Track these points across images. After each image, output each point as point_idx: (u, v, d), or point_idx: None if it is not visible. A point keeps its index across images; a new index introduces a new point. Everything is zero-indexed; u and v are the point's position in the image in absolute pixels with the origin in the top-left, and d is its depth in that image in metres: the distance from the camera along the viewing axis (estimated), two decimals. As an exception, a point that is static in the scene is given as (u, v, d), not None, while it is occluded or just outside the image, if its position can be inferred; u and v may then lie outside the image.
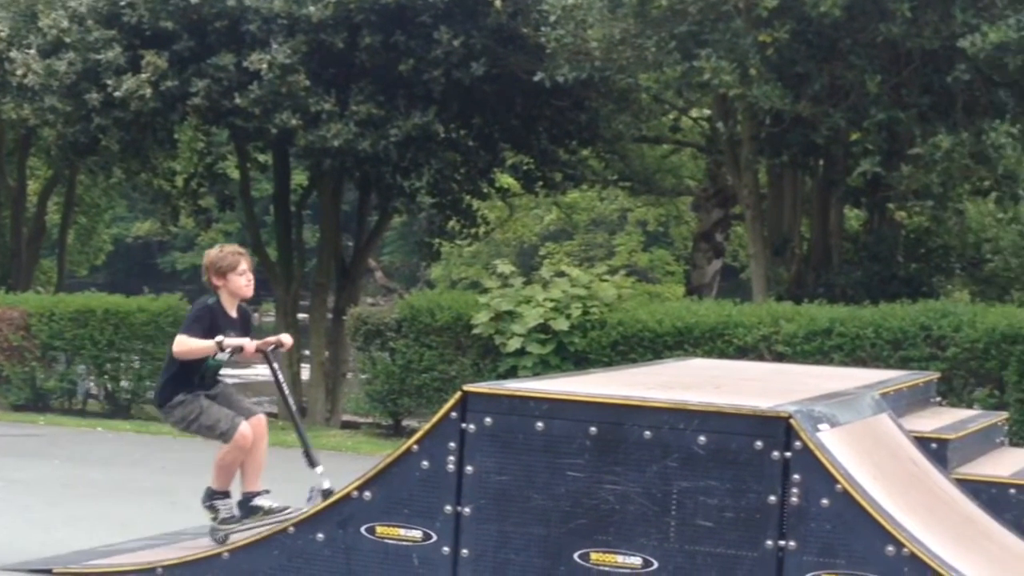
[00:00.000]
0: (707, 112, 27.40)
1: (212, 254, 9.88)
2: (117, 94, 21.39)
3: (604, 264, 23.13)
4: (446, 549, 8.22)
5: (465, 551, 8.20)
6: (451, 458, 8.26)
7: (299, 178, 28.58)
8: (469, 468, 8.22)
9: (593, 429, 8.04)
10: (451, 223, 26.08)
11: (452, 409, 8.31)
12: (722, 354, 17.20)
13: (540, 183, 25.78)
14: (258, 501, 9.97)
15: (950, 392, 16.31)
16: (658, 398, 8.12)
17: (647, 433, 7.94)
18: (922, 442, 8.96)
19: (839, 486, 7.57)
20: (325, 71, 21.89)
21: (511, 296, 18.69)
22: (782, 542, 7.68)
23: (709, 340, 17.73)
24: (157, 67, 21.28)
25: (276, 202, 25.92)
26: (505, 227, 38.69)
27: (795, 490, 7.65)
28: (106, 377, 23.21)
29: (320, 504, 8.70)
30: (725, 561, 7.76)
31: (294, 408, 10.42)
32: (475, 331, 18.79)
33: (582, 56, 20.49)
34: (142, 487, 15.06)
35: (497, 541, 8.15)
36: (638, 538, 7.92)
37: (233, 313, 9.87)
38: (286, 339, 10.10)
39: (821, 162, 22.97)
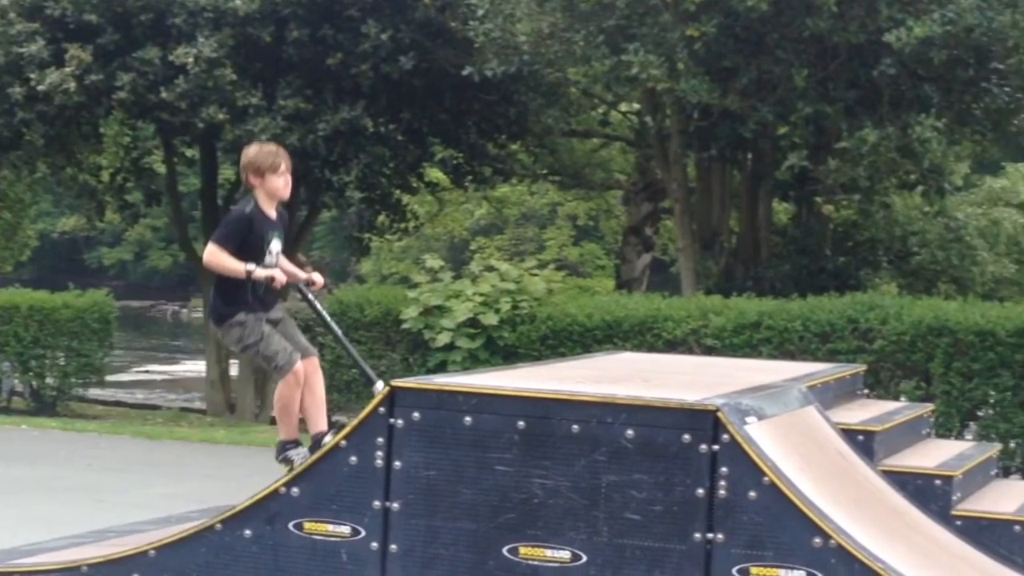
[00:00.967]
0: (636, 106, 27.47)
1: (251, 152, 9.27)
2: (41, 88, 21.20)
3: (534, 258, 23.16)
4: (375, 545, 8.17)
5: (394, 546, 8.15)
6: (379, 453, 8.20)
7: (227, 173, 28.41)
8: (397, 463, 8.17)
9: (521, 423, 8.01)
10: (380, 218, 26.01)
11: (380, 404, 8.26)
12: (651, 348, 17.22)
13: (469, 177, 25.76)
14: (328, 439, 9.29)
15: (877, 384, 16.41)
16: (586, 392, 8.10)
17: (575, 427, 7.91)
18: (849, 434, 8.98)
19: (766, 479, 7.58)
20: (252, 65, 21.77)
21: (440, 291, 18.65)
22: (710, 535, 7.67)
23: (638, 334, 17.75)
24: (81, 61, 21.09)
25: (204, 197, 25.76)
26: (435, 222, 38.62)
27: (723, 483, 7.65)
28: (31, 374, 22.99)
29: (247, 501, 8.62)
30: (654, 554, 7.75)
31: (340, 332, 9.97)
32: (404, 326, 18.74)
33: (510, 50, 20.49)
34: (68, 485, 14.94)
35: (426, 536, 8.10)
36: (567, 532, 7.90)
37: (272, 213, 9.31)
38: (317, 278, 9.57)
39: (749, 156, 23.08)
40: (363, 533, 8.22)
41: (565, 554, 7.90)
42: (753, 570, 7.62)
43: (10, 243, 39.98)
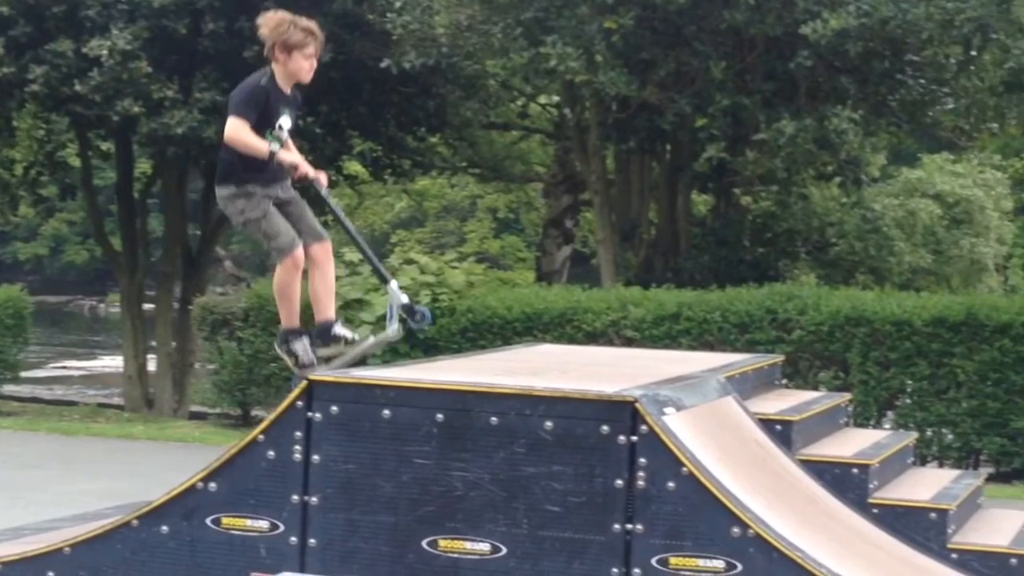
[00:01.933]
0: (555, 98, 27.49)
1: (283, 24, 8.67)
2: (-49, 82, 20.93)
3: (455, 251, 23.11)
4: (293, 539, 8.13)
5: (313, 541, 8.11)
6: (297, 447, 8.16)
7: (143, 166, 28.15)
8: (316, 457, 8.13)
9: (440, 416, 8.00)
10: (299, 211, 25.83)
11: (298, 398, 8.22)
12: (571, 339, 17.25)
13: (389, 170, 25.68)
14: (338, 330, 9.08)
15: (796, 374, 16.52)
16: (505, 384, 8.09)
17: (494, 419, 7.91)
18: (767, 424, 9.03)
19: (685, 469, 7.60)
20: (168, 57, 21.58)
21: (360, 284, 18.57)
22: (629, 525, 7.69)
23: (558, 326, 17.78)
24: (-8, 53, 20.83)
25: (119, 191, 25.51)
26: (355, 215, 38.50)
27: (641, 474, 7.68)
28: (-54, 371, 22.70)
29: (163, 497, 8.55)
30: (573, 545, 7.77)
31: (353, 229, 9.42)
32: (324, 320, 18.63)
33: (429, 42, 20.44)
34: (-18, 483, 14.76)
35: (345, 530, 8.07)
36: (486, 524, 7.90)
37: (287, 90, 8.76)
38: (323, 178, 9.08)
39: (668, 148, 23.16)
40: (282, 528, 8.17)
41: (484, 546, 7.90)
42: (672, 560, 7.64)
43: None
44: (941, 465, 16.31)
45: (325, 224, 9.74)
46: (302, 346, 8.96)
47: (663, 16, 19.70)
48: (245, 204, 8.74)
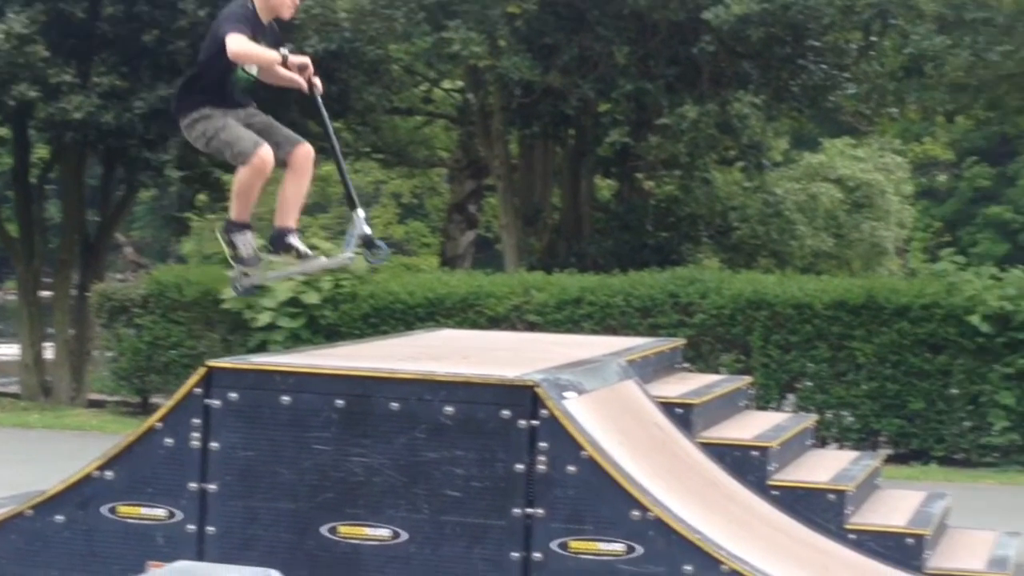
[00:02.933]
0: (459, 83, 27.42)
1: None
2: None
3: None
4: (191, 527, 8.06)
5: (211, 528, 8.05)
6: (195, 435, 8.09)
7: (41, 151, 27.78)
8: (214, 444, 8.07)
9: (340, 402, 7.97)
10: (201, 196, 25.64)
11: (196, 385, 8.14)
12: (474, 324, 17.22)
13: (289, 155, 25.47)
14: (293, 240, 8.92)
15: (698, 358, 16.58)
16: (405, 369, 8.07)
17: (394, 405, 7.89)
18: (668, 407, 9.06)
19: (585, 453, 7.61)
20: (65, 41, 21.28)
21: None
22: (530, 510, 7.70)
23: (461, 311, 17.75)
24: None
25: (16, 177, 25.14)
26: (257, 201, 38.16)
27: (542, 458, 7.68)
28: None
29: (59, 485, 8.43)
30: (474, 530, 7.76)
31: (337, 144, 9.32)
32: (224, 306, 18.51)
33: (331, 27, 20.32)
34: None
35: (244, 517, 8.02)
36: (387, 510, 7.88)
37: (266, 22, 8.62)
38: (317, 80, 8.94)
39: (571, 132, 23.18)
40: (179, 516, 8.10)
41: (385, 532, 7.88)
42: (572, 544, 7.66)
43: None
44: (841, 447, 16.44)
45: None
46: (243, 240, 8.85)
47: (566, 1, 19.72)
48: (205, 125, 8.63)
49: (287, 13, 8.68)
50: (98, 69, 20.92)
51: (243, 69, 8.55)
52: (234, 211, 8.93)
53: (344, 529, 7.93)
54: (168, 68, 21.24)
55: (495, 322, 17.41)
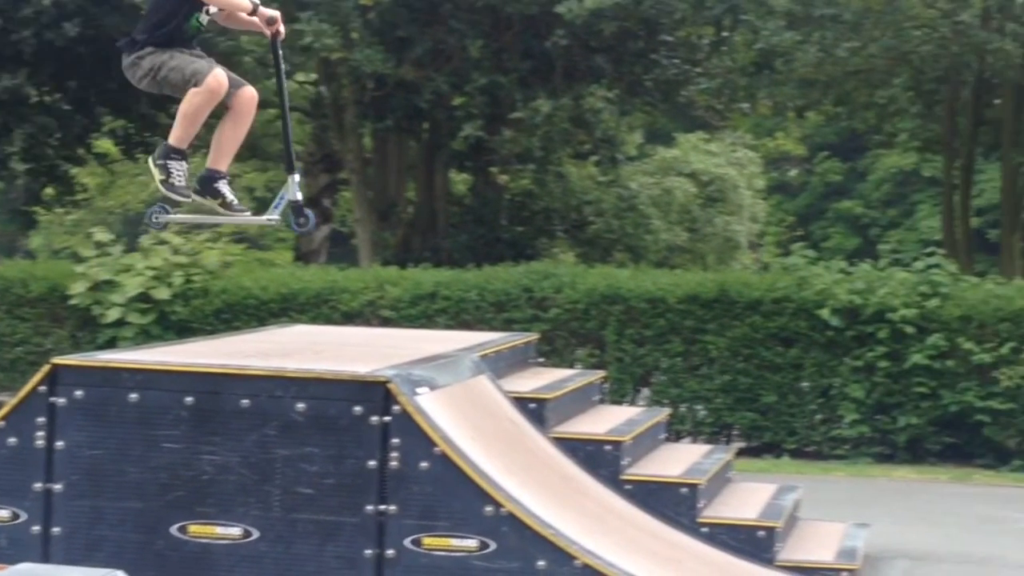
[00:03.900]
0: (312, 76, 27.21)
1: None
2: None
3: (214, 231, 22.70)
4: (36, 528, 7.92)
5: (57, 529, 7.91)
6: (40, 434, 7.94)
7: None
8: (60, 443, 7.93)
9: (189, 399, 7.87)
10: (48, 190, 25.18)
11: (40, 383, 8.00)
12: (328, 320, 17.09)
13: (141, 148, 25.12)
14: (222, 186, 8.70)
15: (553, 352, 16.59)
16: (255, 366, 7.99)
17: (245, 402, 7.81)
18: (521, 402, 9.05)
19: (437, 449, 7.58)
20: None
21: (110, 265, 18.12)
22: (383, 506, 7.67)
23: (314, 306, 17.60)
24: None
25: None
26: (108, 194, 37.62)
27: (395, 454, 7.65)
28: None
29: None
30: (326, 527, 7.72)
31: (287, 96, 9.10)
32: (72, 302, 18.17)
33: (180, 18, 20.03)
34: None
35: (91, 518, 7.89)
36: (238, 508, 7.80)
37: None
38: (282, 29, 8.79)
39: (425, 126, 23.11)
40: (24, 517, 7.95)
41: (236, 531, 7.79)
42: (426, 540, 7.63)
43: None
44: (695, 440, 16.54)
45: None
46: (179, 168, 8.60)
47: (420, -6, 19.66)
48: (152, 60, 8.48)
49: None
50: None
51: (198, 16, 8.44)
52: (175, 135, 8.68)
53: (194, 528, 7.83)
54: (12, 58, 20.83)
55: (349, 317, 17.28)
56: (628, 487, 9.01)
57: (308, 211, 8.65)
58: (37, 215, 26.81)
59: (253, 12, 8.42)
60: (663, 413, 11.00)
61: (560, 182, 24.86)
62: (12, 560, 7.71)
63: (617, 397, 16.53)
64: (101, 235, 18.81)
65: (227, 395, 7.85)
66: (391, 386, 7.65)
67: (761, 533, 9.03)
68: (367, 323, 16.94)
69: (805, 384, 16.43)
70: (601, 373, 11.66)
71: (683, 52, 21.99)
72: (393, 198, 23.25)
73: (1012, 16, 18.91)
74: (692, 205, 29.55)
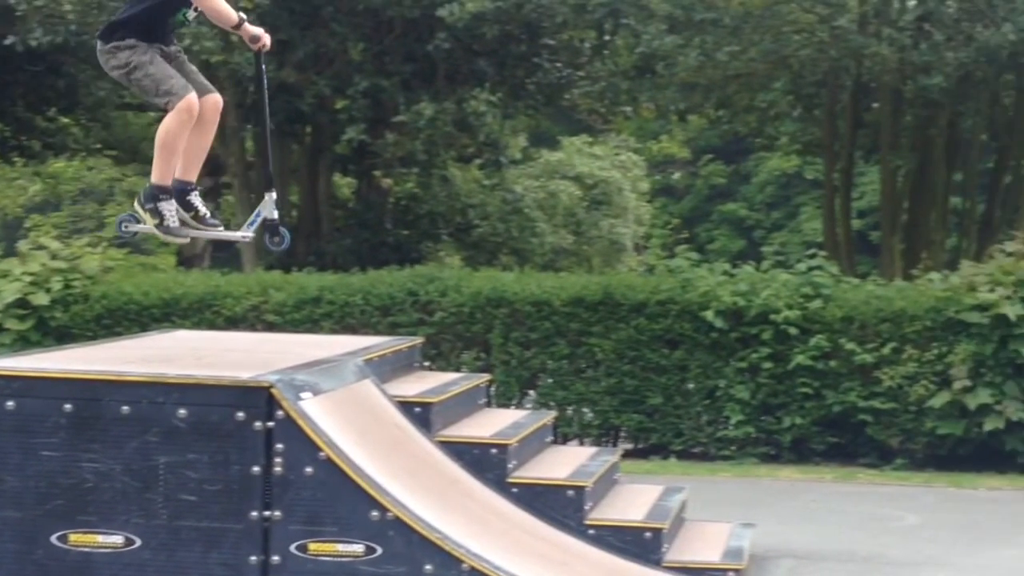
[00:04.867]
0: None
1: None
2: None
3: (94, 236, 22.42)
4: (-91, 541, 7.74)
5: (-69, 542, 7.74)
6: (-88, 442, 7.77)
7: None
8: (-67, 454, 7.76)
9: (68, 406, 7.75)
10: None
11: (-91, 392, 7.82)
12: (211, 325, 16.91)
13: (17, 152, 24.79)
14: (194, 199, 8.65)
15: (439, 356, 16.55)
16: (135, 372, 7.87)
17: (125, 408, 7.71)
18: (406, 406, 9.00)
19: (322, 454, 7.53)
20: None
21: (-13, 270, 17.85)
22: (267, 512, 7.60)
23: (197, 311, 17.41)
24: None
25: None
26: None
27: (279, 460, 7.59)
28: None
29: None
30: (210, 535, 7.63)
31: (268, 118, 9.33)
32: (-52, 308, 17.86)
33: (56, 19, 19.74)
34: None
35: (-35, 529, 7.73)
36: (119, 516, 7.70)
37: None
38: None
39: (308, 130, 22.99)
40: None
41: (118, 539, 7.70)
42: (312, 546, 7.57)
43: None
44: (582, 443, 16.56)
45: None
46: (170, 208, 8.50)
47: (301, -4, 19.53)
48: (130, 54, 8.34)
49: None
50: None
51: (185, 12, 8.38)
52: (158, 172, 8.57)
53: (75, 537, 7.72)
54: None
55: (233, 322, 17.12)
56: (515, 490, 8.99)
57: (283, 229, 8.68)
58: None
59: (238, 27, 8.38)
60: (549, 416, 10.99)
61: (445, 185, 24.83)
62: None
63: (503, 400, 16.52)
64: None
65: (107, 402, 7.74)
66: (274, 391, 7.59)
67: (648, 534, 9.04)
68: (251, 328, 16.79)
69: (691, 386, 16.50)
70: (487, 376, 11.64)
71: (565, 56, 22.04)
72: (277, 202, 23.06)
73: (888, 21, 19.16)
74: (577, 208, 29.66)
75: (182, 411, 7.64)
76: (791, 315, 15.98)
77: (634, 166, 33.14)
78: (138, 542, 7.69)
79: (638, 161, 33.77)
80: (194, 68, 8.76)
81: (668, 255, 29.61)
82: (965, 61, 18.66)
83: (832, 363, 15.96)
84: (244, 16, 8.43)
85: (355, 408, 8.38)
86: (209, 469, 7.64)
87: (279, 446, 7.58)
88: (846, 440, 16.08)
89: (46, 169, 33.64)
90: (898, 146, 21.94)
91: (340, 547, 7.55)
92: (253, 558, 7.59)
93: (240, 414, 7.60)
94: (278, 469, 7.58)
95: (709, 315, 16.21)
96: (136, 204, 8.68)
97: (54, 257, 17.98)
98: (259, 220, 8.72)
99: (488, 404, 11.28)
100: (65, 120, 25.24)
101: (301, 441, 7.55)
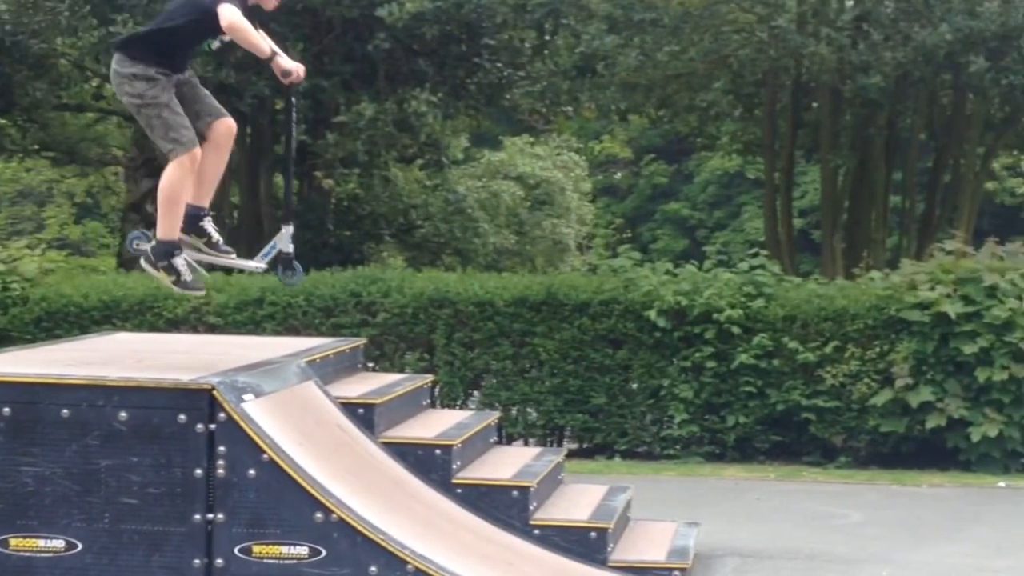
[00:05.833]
0: (132, 81, 26.76)
1: None
2: None
3: (33, 238, 22.25)
4: None
5: None
6: None
7: None
8: None
9: (7, 410, 7.70)
10: None
11: None
12: (152, 327, 16.81)
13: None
14: (207, 224, 8.59)
15: (382, 357, 16.50)
16: (74, 375, 7.81)
17: (65, 411, 7.65)
18: (349, 408, 8.96)
19: (265, 456, 7.49)
20: None
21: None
22: (210, 515, 7.57)
23: (138, 313, 17.29)
24: None
25: None
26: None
27: (221, 462, 7.55)
28: None
29: None
30: (153, 538, 7.59)
31: (294, 151, 9.53)
32: None
33: (-10, 19, 19.62)
34: None
35: (-98, 536, 7.64)
36: (60, 520, 7.65)
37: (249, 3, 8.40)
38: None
39: (248, 130, 22.87)
40: None
41: (59, 543, 7.64)
42: (255, 548, 7.54)
43: None
44: (527, 443, 16.55)
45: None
46: (184, 262, 8.44)
47: (240, -4, 19.42)
48: (147, 87, 8.24)
49: (270, 4, 8.55)
50: None
51: (210, 42, 8.35)
52: (165, 228, 8.43)
53: (15, 542, 7.66)
54: None
55: (175, 324, 17.02)
56: (459, 491, 8.96)
57: (297, 264, 8.67)
58: None
59: (271, 59, 8.36)
60: (493, 416, 10.96)
61: (387, 186, 24.78)
62: None
63: (448, 401, 16.49)
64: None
65: (46, 405, 7.68)
66: (216, 393, 7.55)
67: (593, 534, 9.03)
68: (193, 330, 16.70)
69: (635, 385, 16.51)
70: (430, 377, 11.61)
71: (506, 56, 22.02)
72: (217, 203, 22.93)
73: (827, 21, 19.24)
74: (520, 208, 29.68)
75: (123, 414, 7.59)
76: (734, 314, 16.01)
77: (576, 166, 33.20)
78: (80, 546, 7.64)
79: (580, 161, 33.83)
80: (207, 92, 8.76)
81: (611, 255, 29.69)
82: (903, 61, 18.78)
83: (775, 362, 16.00)
84: (277, 49, 8.37)
85: (298, 410, 8.34)
86: (151, 472, 7.60)
87: (221, 448, 7.54)
88: (790, 439, 16.13)
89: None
90: (838, 145, 22.03)
91: (284, 549, 7.51)
92: (196, 561, 7.55)
93: (182, 416, 7.56)
94: (221, 471, 7.55)
95: (652, 315, 16.22)
96: (144, 263, 8.58)
97: (-9, 260, 17.84)
98: (274, 252, 8.69)
99: (432, 405, 11.25)
100: (1, 121, 25.01)
101: (244, 443, 7.51)
